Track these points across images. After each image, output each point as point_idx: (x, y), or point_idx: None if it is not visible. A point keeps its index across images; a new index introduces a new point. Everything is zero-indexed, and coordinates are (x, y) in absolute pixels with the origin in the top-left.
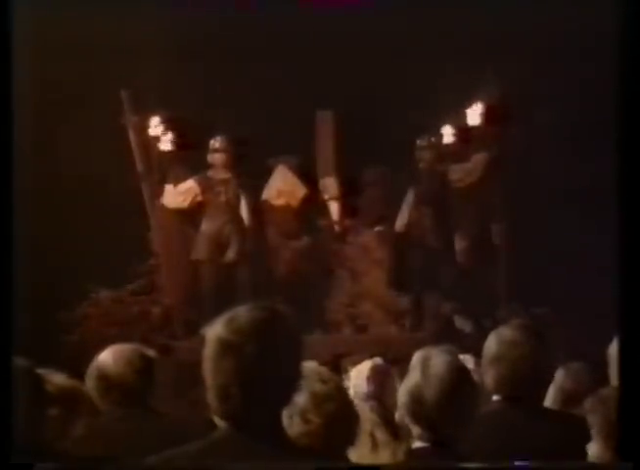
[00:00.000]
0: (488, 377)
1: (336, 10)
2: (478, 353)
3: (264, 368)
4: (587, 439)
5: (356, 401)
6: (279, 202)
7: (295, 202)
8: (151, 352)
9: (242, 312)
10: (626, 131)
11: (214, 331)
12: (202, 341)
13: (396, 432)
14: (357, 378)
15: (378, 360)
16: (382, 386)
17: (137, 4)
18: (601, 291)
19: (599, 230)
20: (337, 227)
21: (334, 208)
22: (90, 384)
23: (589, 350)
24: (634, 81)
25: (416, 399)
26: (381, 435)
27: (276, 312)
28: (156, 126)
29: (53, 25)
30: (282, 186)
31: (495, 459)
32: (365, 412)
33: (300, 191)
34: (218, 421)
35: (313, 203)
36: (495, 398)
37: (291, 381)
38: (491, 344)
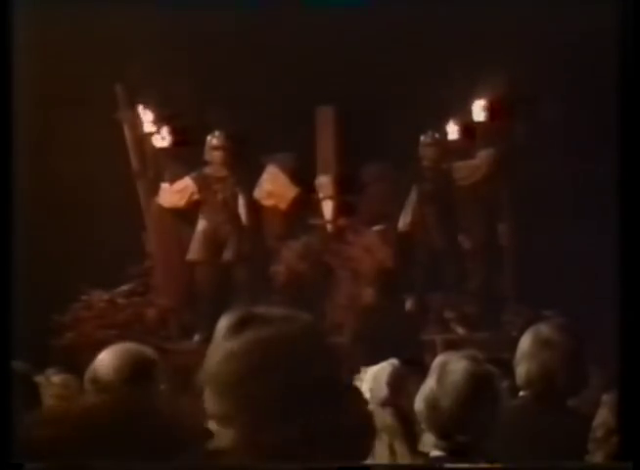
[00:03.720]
0: (519, 372)
1: (337, 6)
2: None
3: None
4: None
5: (373, 407)
6: (268, 203)
7: (283, 204)
8: (153, 354)
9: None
10: (628, 130)
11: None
12: (200, 343)
13: (416, 444)
14: (375, 381)
15: (395, 363)
16: (402, 391)
17: (136, 1)
18: (605, 291)
19: (604, 230)
20: (329, 227)
21: (327, 207)
22: (88, 386)
23: (593, 352)
24: (635, 80)
25: (431, 407)
26: (400, 447)
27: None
28: (151, 122)
29: (52, 24)
30: (272, 188)
31: (511, 452)
32: (383, 418)
33: (291, 192)
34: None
35: (306, 203)
36: (522, 393)
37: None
38: (527, 340)
